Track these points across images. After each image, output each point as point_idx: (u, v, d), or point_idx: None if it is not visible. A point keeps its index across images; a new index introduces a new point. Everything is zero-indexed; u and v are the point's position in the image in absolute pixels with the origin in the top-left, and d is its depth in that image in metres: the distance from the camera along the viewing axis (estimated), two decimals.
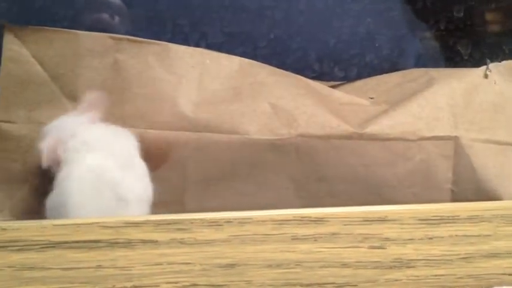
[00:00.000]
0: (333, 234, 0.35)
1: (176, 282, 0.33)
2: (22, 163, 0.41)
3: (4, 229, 0.31)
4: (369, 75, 0.51)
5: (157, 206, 0.40)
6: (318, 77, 0.51)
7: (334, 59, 0.51)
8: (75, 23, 0.47)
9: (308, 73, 0.49)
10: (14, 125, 0.41)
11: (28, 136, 0.41)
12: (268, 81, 0.42)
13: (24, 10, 0.50)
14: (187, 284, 0.33)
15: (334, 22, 0.53)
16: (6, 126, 0.41)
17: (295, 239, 0.35)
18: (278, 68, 0.45)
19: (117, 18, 0.51)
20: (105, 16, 0.52)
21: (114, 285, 0.32)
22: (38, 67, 0.41)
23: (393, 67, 0.52)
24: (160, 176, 0.41)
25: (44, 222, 0.32)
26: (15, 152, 0.41)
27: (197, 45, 0.45)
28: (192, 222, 0.34)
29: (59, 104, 0.41)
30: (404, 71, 0.50)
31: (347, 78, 0.52)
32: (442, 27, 0.55)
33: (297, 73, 0.46)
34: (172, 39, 0.44)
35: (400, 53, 0.54)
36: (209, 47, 0.45)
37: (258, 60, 0.41)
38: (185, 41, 0.48)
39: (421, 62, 0.56)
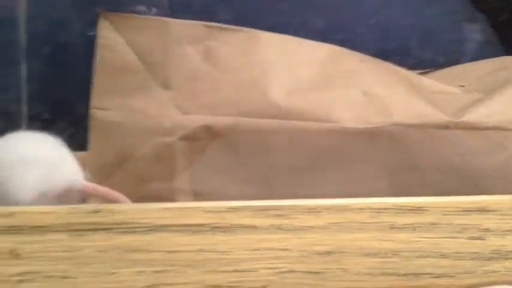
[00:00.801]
0: (432, 224, 0.34)
1: (274, 268, 0.33)
2: (116, 150, 0.42)
3: (111, 211, 0.32)
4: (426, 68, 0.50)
5: (244, 194, 0.41)
6: None
7: (392, 51, 0.50)
8: None
9: None
10: (108, 112, 0.42)
11: (122, 123, 0.42)
12: (359, 69, 0.42)
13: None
14: (284, 269, 0.34)
15: (394, 15, 0.52)
16: (100, 113, 0.42)
17: (393, 227, 0.34)
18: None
19: (154, 10, 0.52)
20: (142, 8, 0.53)
21: (215, 269, 0.33)
22: (132, 55, 0.42)
23: (450, 60, 0.51)
24: (249, 164, 0.42)
25: (150, 205, 0.33)
26: (109, 138, 0.42)
27: None
28: (290, 209, 0.34)
29: (151, 91, 0.42)
30: (493, 59, 0.49)
31: None
32: (502, 18, 0.53)
33: None
34: None
35: (458, 46, 0.52)
36: None
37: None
38: None
39: (480, 54, 0.54)
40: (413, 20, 0.51)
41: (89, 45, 0.44)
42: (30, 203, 0.34)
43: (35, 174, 0.36)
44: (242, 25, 0.39)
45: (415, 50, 0.51)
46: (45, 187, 0.36)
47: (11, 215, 0.31)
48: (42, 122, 0.66)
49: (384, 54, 0.43)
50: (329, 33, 0.43)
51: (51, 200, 0.36)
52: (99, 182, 0.42)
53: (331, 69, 0.42)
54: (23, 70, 0.65)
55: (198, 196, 0.41)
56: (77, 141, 0.40)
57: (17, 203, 0.34)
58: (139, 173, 0.41)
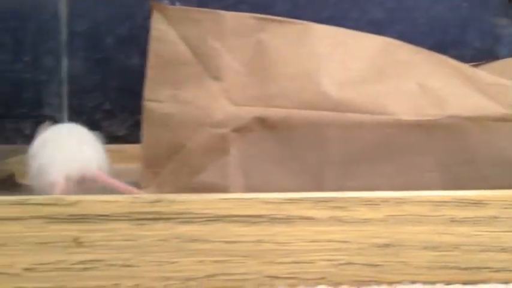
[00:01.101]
0: (493, 217, 0.34)
1: (332, 260, 0.33)
2: (168, 141, 0.42)
3: (171, 201, 0.32)
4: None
5: (295, 186, 0.41)
6: None
7: (448, 43, 0.50)
8: None
9: None
10: (161, 104, 0.43)
11: (175, 115, 0.42)
12: (413, 60, 0.41)
13: None
14: (343, 262, 0.33)
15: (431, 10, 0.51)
16: (153, 105, 0.43)
17: (453, 221, 0.34)
18: None
19: (177, 4, 0.52)
20: (166, 2, 0.53)
21: (273, 260, 0.33)
22: (184, 47, 0.43)
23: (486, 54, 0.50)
24: (301, 156, 0.42)
25: (209, 196, 0.33)
26: (161, 130, 0.42)
27: None
28: (349, 201, 0.33)
29: (203, 83, 0.42)
30: None
31: None
32: None
33: None
34: None
35: (495, 40, 0.51)
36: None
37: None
38: None
39: None
40: (470, 12, 0.50)
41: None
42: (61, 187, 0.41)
43: (59, 160, 0.42)
44: (299, 17, 0.39)
45: (472, 41, 0.49)
46: (67, 171, 0.42)
47: (74, 203, 0.32)
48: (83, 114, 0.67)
49: (440, 46, 0.43)
50: (387, 24, 0.42)
51: (75, 186, 0.42)
52: (152, 174, 0.43)
53: (384, 61, 0.42)
54: (64, 63, 0.66)
55: (249, 188, 0.41)
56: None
57: (50, 185, 0.41)
58: (192, 164, 0.41)
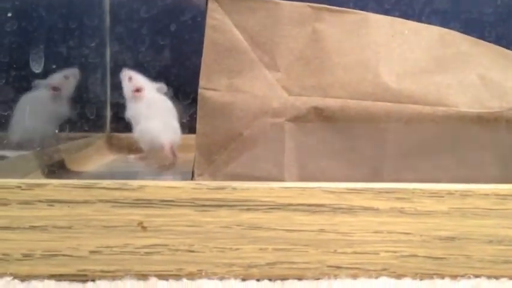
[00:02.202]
0: None
1: (395, 252, 0.33)
2: (223, 129, 0.42)
3: (234, 188, 0.33)
4: None
5: (351, 178, 0.41)
6: None
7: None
8: None
9: None
10: (217, 92, 0.42)
11: (231, 103, 0.42)
12: (473, 52, 0.40)
13: None
14: (406, 254, 0.33)
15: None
16: (209, 93, 0.43)
17: None
18: None
19: None
20: None
21: (335, 250, 0.33)
22: (239, 36, 0.42)
23: None
24: (357, 147, 0.41)
25: (272, 184, 0.33)
26: (217, 118, 0.42)
27: None
28: (413, 192, 0.33)
29: (258, 72, 0.42)
30: None
31: None
32: None
33: None
34: None
35: None
36: None
37: None
38: None
39: None
40: None
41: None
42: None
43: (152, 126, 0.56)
44: (362, 5, 0.38)
45: None
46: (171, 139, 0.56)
47: (139, 188, 0.32)
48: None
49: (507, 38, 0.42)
50: (453, 14, 0.41)
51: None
52: (207, 162, 0.43)
53: (443, 52, 0.41)
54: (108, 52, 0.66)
55: (303, 178, 0.41)
56: None
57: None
58: (247, 153, 0.41)
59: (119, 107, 0.68)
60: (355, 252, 0.33)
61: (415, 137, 0.40)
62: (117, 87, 0.68)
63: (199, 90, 0.43)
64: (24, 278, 0.32)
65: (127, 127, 0.66)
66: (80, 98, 0.64)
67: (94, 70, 0.68)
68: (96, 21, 0.68)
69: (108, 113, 0.72)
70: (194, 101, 0.42)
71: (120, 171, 0.60)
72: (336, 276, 0.33)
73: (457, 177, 0.40)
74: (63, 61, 0.63)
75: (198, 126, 0.42)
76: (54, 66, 0.55)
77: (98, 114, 0.69)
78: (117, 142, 0.73)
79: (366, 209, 0.33)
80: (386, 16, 0.43)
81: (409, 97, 0.40)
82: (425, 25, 0.43)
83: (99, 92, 0.69)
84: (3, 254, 0.32)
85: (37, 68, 0.47)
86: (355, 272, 0.33)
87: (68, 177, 0.48)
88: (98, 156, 0.65)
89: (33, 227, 0.32)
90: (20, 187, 0.32)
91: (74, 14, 0.64)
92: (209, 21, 0.43)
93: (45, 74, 0.57)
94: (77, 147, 0.60)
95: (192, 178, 0.42)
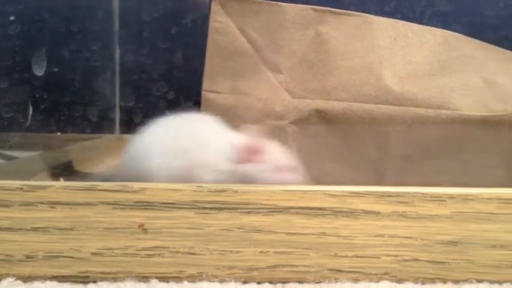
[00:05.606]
0: None
1: (397, 256, 0.33)
2: None
3: (235, 191, 0.33)
4: None
5: (354, 181, 0.41)
6: None
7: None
8: None
9: None
10: (220, 95, 0.43)
11: (234, 106, 0.42)
12: (477, 55, 0.40)
13: None
14: (408, 258, 0.33)
15: None
16: (212, 96, 0.43)
17: None
18: None
19: None
20: None
21: (336, 253, 0.33)
22: (243, 39, 0.43)
23: None
24: (361, 150, 0.41)
25: (273, 187, 0.33)
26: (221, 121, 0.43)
27: None
28: (414, 196, 0.33)
29: (261, 75, 0.42)
30: None
31: None
32: None
33: None
34: None
35: None
36: None
37: None
38: None
39: None
40: None
41: None
42: None
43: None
44: (364, 8, 0.38)
45: None
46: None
47: (139, 191, 0.32)
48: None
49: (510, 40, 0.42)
50: (455, 16, 0.41)
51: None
52: None
53: (446, 55, 0.41)
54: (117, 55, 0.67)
55: (306, 181, 0.41)
56: None
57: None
58: None
59: (128, 109, 0.69)
60: (356, 256, 0.33)
61: (419, 140, 0.40)
62: (126, 89, 0.68)
63: (203, 93, 0.43)
64: (26, 279, 0.32)
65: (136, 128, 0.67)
66: (90, 99, 0.65)
67: (103, 72, 0.69)
68: (105, 24, 0.68)
69: (118, 114, 0.73)
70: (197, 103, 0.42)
71: (129, 173, 0.60)
72: (336, 280, 0.33)
73: (462, 181, 0.40)
74: (73, 63, 0.63)
75: None
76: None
77: (107, 116, 0.70)
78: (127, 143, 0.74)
79: (367, 212, 0.33)
80: (389, 19, 0.43)
81: (412, 100, 0.40)
82: (429, 28, 0.43)
83: (108, 94, 0.70)
84: (6, 255, 0.32)
85: (39, 71, 0.48)
86: (356, 275, 0.33)
87: (74, 179, 0.48)
88: (107, 158, 0.66)
89: (35, 229, 0.32)
90: (22, 189, 0.32)
91: (83, 18, 0.65)
92: (212, 24, 0.43)
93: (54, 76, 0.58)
94: (86, 148, 0.61)
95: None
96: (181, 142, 0.37)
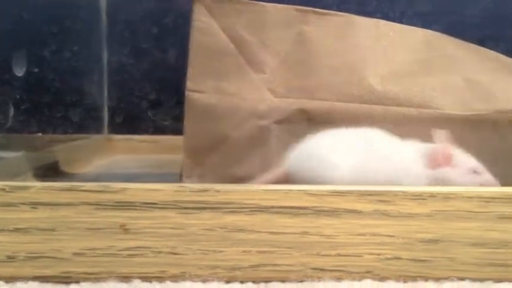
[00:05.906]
0: None
1: (379, 254, 0.33)
2: (210, 132, 0.42)
3: (218, 191, 0.33)
4: None
5: None
6: None
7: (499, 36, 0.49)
8: None
9: None
10: (203, 94, 0.43)
11: (218, 106, 0.42)
12: (458, 54, 0.41)
13: None
14: (389, 256, 0.33)
15: None
16: (195, 95, 0.43)
17: (502, 217, 0.33)
18: None
19: None
20: None
21: (318, 252, 0.33)
22: (226, 38, 0.43)
23: None
24: None
25: (255, 186, 0.33)
26: (204, 121, 0.42)
27: None
28: (395, 195, 0.33)
29: (245, 75, 0.42)
30: None
31: None
32: None
33: None
34: None
35: None
36: None
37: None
38: None
39: None
40: None
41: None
42: None
43: None
44: (345, 8, 0.38)
45: None
46: None
47: (120, 191, 0.32)
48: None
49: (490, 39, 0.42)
50: (435, 16, 0.42)
51: None
52: (194, 164, 0.43)
53: (427, 54, 0.41)
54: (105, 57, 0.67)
55: (292, 180, 0.41)
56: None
57: None
58: (234, 155, 0.41)
59: (116, 109, 0.68)
60: (339, 255, 0.33)
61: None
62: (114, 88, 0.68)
63: (186, 93, 0.43)
64: (8, 279, 0.32)
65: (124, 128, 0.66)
66: (78, 99, 0.65)
67: (91, 72, 0.69)
68: (92, 24, 0.68)
69: (106, 114, 0.73)
70: (181, 102, 0.42)
71: (117, 172, 0.60)
72: (319, 279, 0.33)
73: None
74: (60, 64, 0.63)
75: (185, 128, 0.43)
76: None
77: (96, 116, 0.70)
78: (115, 143, 0.74)
79: (349, 211, 0.33)
80: (372, 18, 0.43)
81: (394, 99, 0.40)
82: (410, 27, 0.43)
83: (97, 94, 0.70)
84: None
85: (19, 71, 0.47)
86: (339, 274, 0.33)
87: (58, 180, 0.48)
88: (95, 158, 0.66)
89: (17, 229, 0.32)
90: (4, 189, 0.32)
91: (71, 17, 0.65)
92: (195, 23, 0.43)
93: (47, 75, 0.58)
94: (74, 148, 0.60)
95: (180, 181, 0.42)
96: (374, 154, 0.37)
